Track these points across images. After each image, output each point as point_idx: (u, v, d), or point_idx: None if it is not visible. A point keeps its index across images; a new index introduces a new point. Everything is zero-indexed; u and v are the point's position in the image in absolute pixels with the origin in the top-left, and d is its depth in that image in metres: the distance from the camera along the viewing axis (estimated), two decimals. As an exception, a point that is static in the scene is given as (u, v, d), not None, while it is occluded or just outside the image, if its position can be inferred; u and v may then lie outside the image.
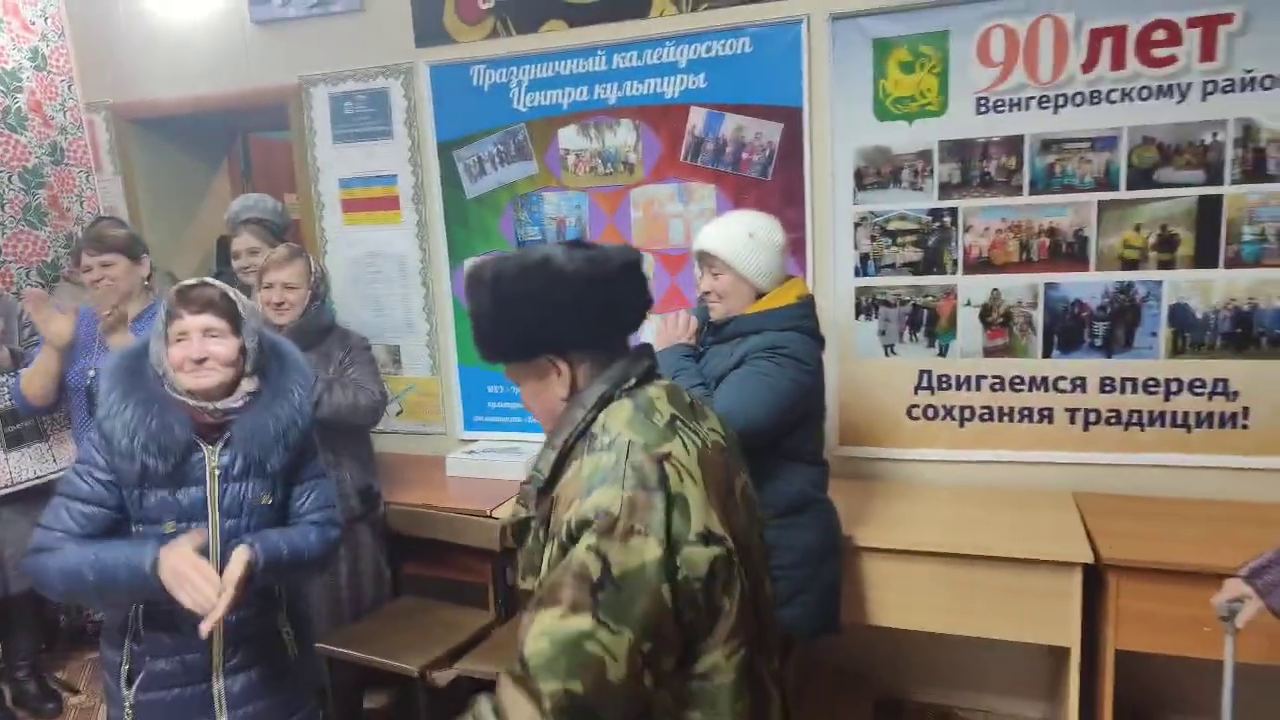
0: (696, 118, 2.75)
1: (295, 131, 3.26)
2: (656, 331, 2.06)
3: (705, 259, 1.99)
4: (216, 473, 1.59)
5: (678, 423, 1.15)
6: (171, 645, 1.62)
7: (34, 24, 3.10)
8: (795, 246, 2.66)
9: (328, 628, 2.41)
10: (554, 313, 1.14)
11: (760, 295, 1.97)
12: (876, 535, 2.26)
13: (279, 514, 1.67)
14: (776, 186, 2.69)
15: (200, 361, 1.54)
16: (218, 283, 1.61)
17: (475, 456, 2.91)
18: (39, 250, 3.04)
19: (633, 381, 1.17)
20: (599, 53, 2.82)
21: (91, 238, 2.53)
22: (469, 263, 1.18)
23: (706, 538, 1.07)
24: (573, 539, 1.04)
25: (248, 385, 1.60)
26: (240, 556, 1.52)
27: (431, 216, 3.11)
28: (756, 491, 1.85)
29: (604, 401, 1.15)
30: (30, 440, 2.77)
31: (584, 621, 1.01)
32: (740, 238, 1.96)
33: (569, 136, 2.90)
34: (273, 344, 1.70)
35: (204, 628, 1.45)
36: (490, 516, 2.53)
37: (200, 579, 1.45)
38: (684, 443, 1.13)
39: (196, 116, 3.51)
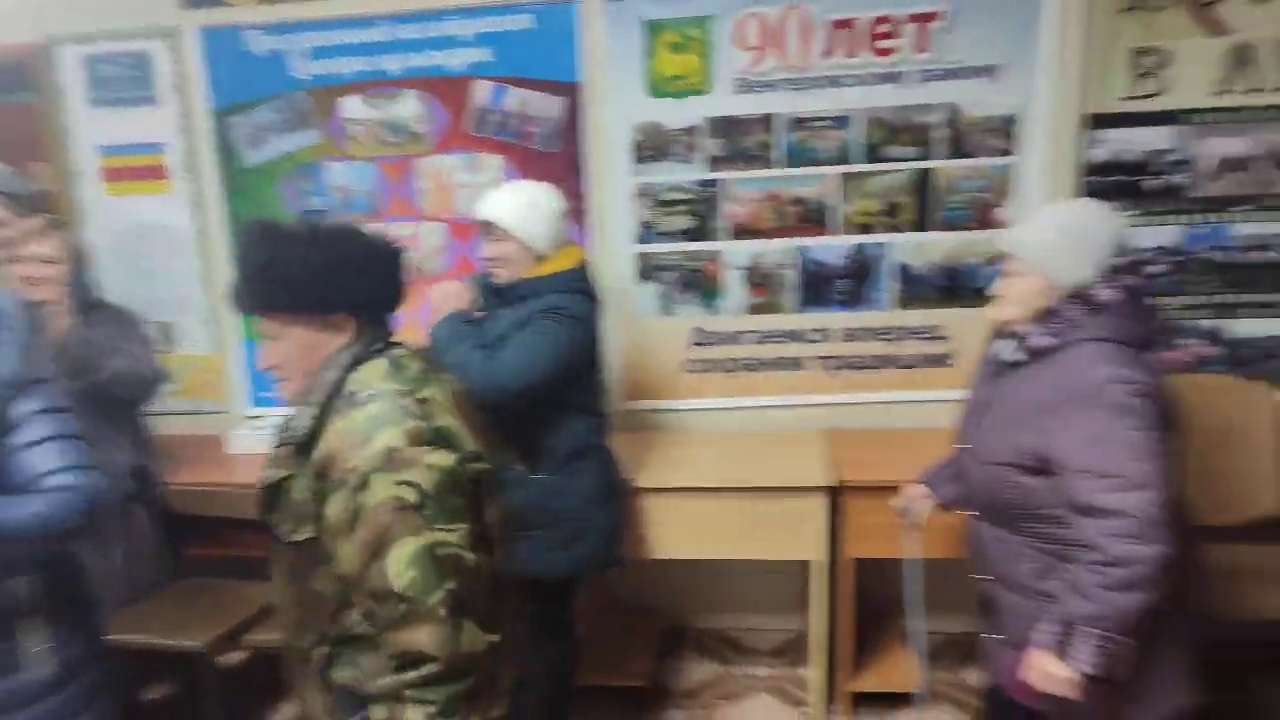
0: (482, 90, 2.83)
1: (40, 95, 3.01)
2: (433, 304, 2.14)
3: (487, 227, 2.09)
4: None
5: (428, 374, 1.33)
6: None
7: None
8: (578, 216, 2.82)
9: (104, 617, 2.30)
10: (361, 276, 1.29)
11: (541, 260, 2.09)
12: (655, 477, 2.48)
13: None
14: (560, 158, 2.83)
15: None
16: None
17: (261, 431, 2.86)
18: None
19: (380, 345, 1.32)
20: (382, 23, 2.83)
21: None
22: (263, 220, 1.27)
23: (475, 457, 1.28)
24: (366, 483, 1.18)
25: None
26: None
27: (207, 187, 2.99)
28: (539, 440, 2.02)
29: (355, 362, 1.29)
30: None
31: (426, 537, 1.18)
32: (520, 206, 2.08)
33: (353, 106, 2.88)
34: None
35: None
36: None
37: None
38: (437, 388, 1.31)
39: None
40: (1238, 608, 2.31)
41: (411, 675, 1.18)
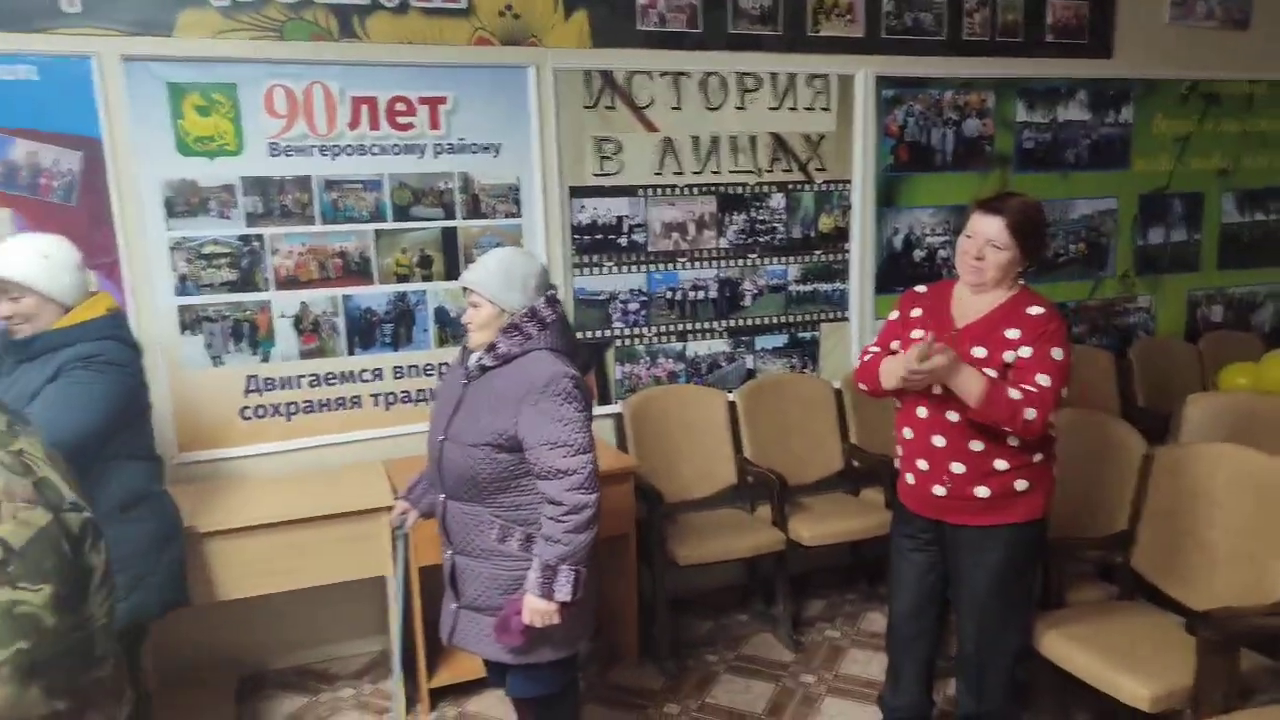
0: (-22, 140, 2.66)
1: None
2: None
3: (2, 285, 2.04)
4: None
5: (15, 426, 1.33)
6: None
7: None
8: (109, 269, 2.79)
9: None
10: None
11: (65, 311, 2.09)
12: (218, 520, 2.57)
13: None
14: (83, 212, 2.76)
15: None
16: None
17: None
18: None
19: None
20: None
21: None
22: None
23: (76, 506, 1.32)
24: None
25: None
26: None
27: None
28: (92, 491, 2.03)
29: None
30: None
31: (6, 594, 1.17)
32: (36, 260, 2.06)
33: None
34: None
35: None
36: None
37: None
38: (27, 440, 1.32)
39: None
40: (704, 554, 3.13)
41: None
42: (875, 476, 3.48)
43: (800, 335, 3.73)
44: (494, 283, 2.04)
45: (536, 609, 1.96)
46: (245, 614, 2.95)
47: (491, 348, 2.05)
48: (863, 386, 2.39)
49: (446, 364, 3.21)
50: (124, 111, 2.77)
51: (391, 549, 2.64)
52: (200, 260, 2.91)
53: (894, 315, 2.40)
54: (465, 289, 2.09)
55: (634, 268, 3.44)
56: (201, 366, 2.95)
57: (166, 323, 2.89)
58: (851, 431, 3.63)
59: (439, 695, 2.92)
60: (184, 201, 2.87)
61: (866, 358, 2.39)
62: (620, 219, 3.39)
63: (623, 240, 3.40)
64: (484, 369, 2.07)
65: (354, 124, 3.00)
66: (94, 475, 2.06)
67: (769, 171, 3.57)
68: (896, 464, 2.41)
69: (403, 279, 3.13)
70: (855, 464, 3.60)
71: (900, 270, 3.82)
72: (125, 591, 2.10)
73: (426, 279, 3.16)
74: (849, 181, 3.70)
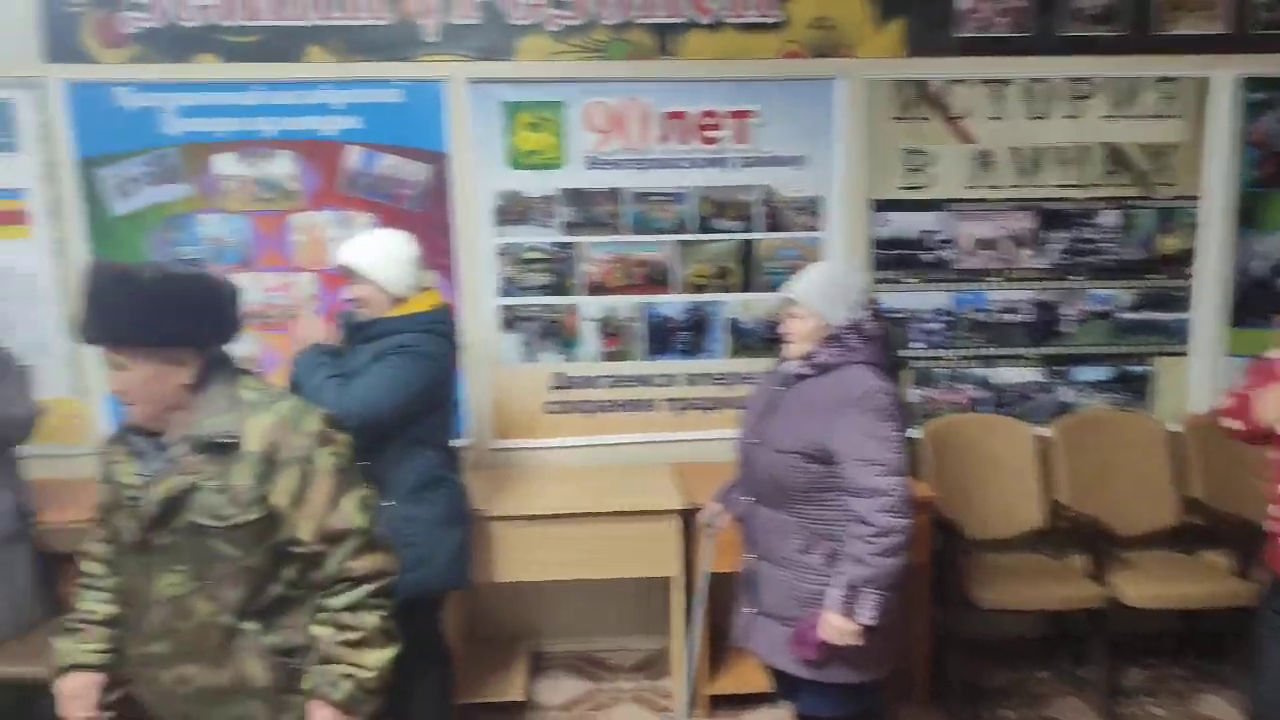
0: (353, 155, 3.07)
1: (-111, 138, 2.96)
2: (296, 336, 2.31)
3: (347, 272, 2.28)
4: None
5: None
6: None
7: None
8: (445, 270, 3.10)
9: None
10: (197, 314, 1.49)
11: (398, 302, 2.28)
12: (512, 506, 2.75)
13: None
14: (428, 219, 3.10)
15: None
16: None
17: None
18: None
19: (233, 369, 1.58)
20: (256, 88, 3.02)
21: None
22: (104, 261, 1.53)
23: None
24: (311, 458, 1.49)
25: None
26: None
27: (70, 233, 3.02)
28: (389, 472, 2.25)
29: (230, 378, 1.54)
30: None
31: (361, 490, 1.55)
32: (375, 252, 2.27)
33: (226, 163, 3.04)
34: None
35: None
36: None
37: None
38: None
39: None
40: (1006, 600, 2.84)
41: (373, 587, 1.52)
42: (1222, 538, 2.98)
43: (1129, 369, 3.31)
44: (818, 295, 2.02)
45: (836, 627, 1.88)
46: (538, 594, 3.14)
47: (809, 356, 2.02)
48: (1232, 425, 2.05)
49: (738, 374, 3.21)
50: (467, 129, 3.07)
51: (695, 547, 2.67)
52: (521, 265, 3.15)
53: (1274, 353, 2.05)
54: (787, 300, 2.07)
55: (938, 286, 3.24)
56: (516, 363, 3.18)
57: (490, 321, 3.16)
58: (1193, 483, 3.14)
59: (717, 703, 2.90)
60: (511, 210, 3.12)
61: (1231, 401, 2.05)
62: (925, 234, 3.21)
63: (927, 256, 3.22)
64: (799, 377, 2.03)
65: (665, 138, 3.11)
66: (390, 457, 2.22)
67: (1100, 185, 3.21)
68: (1268, 526, 2.04)
69: (700, 289, 3.19)
70: (1195, 520, 3.11)
71: (1261, 301, 3.26)
72: (412, 565, 2.17)
73: (723, 290, 3.19)
74: (1197, 198, 3.23)
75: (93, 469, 2.93)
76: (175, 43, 2.98)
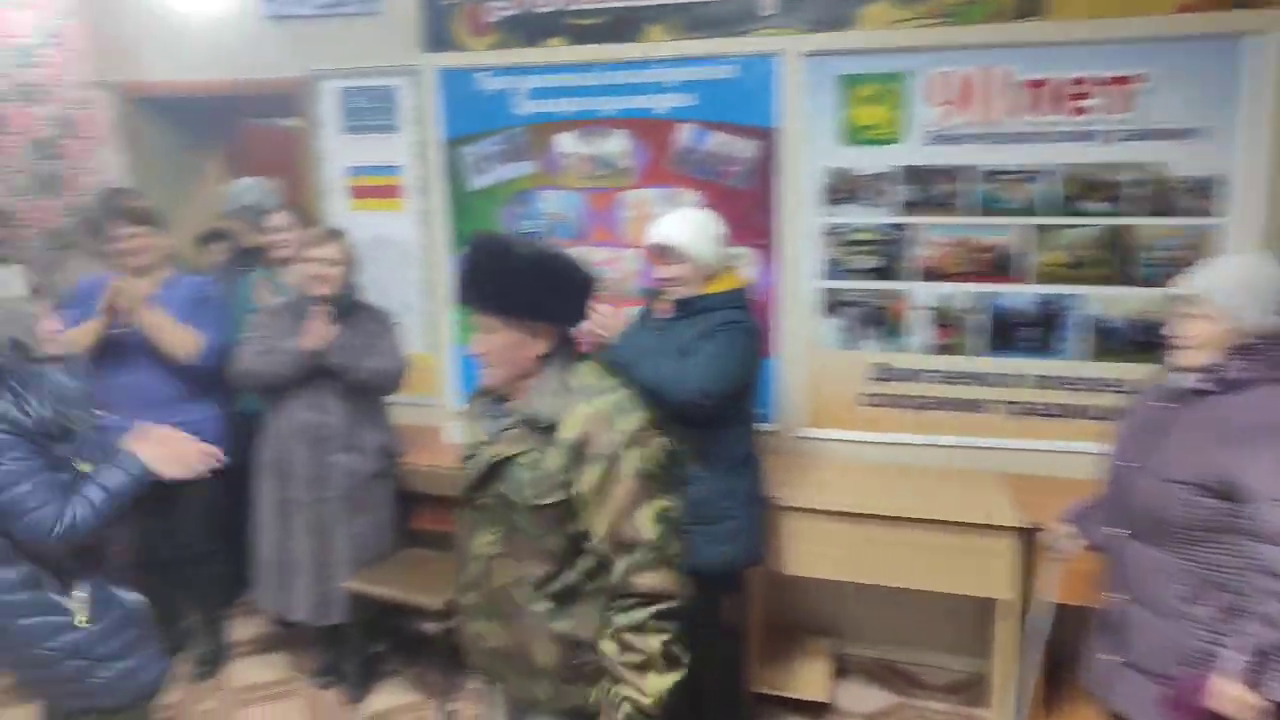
0: (683, 132, 3.08)
1: (303, 121, 3.45)
2: (602, 324, 2.29)
3: (663, 250, 2.27)
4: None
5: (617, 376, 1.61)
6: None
7: (51, 1, 3.23)
8: (764, 250, 3.02)
9: (351, 572, 2.69)
10: (567, 294, 1.55)
11: (710, 279, 2.28)
12: (823, 499, 2.62)
13: None
14: (752, 196, 3.03)
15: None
16: None
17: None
18: (50, 217, 3.16)
19: (576, 352, 1.60)
20: (597, 69, 3.13)
21: (122, 210, 2.69)
22: (495, 233, 1.62)
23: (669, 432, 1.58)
24: (618, 457, 1.45)
25: None
26: None
27: (435, 206, 3.35)
28: (710, 446, 2.21)
29: (568, 362, 1.56)
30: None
31: (662, 501, 1.48)
32: (696, 232, 2.27)
33: (567, 141, 3.19)
34: None
35: (207, 464, 1.81)
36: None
37: (175, 441, 1.78)
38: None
39: (198, 100, 3.67)
40: None
41: (656, 609, 1.46)
42: None
43: None
44: (1229, 293, 1.68)
45: (1233, 698, 1.55)
46: (836, 591, 2.99)
47: (1211, 369, 1.68)
48: None
49: (1100, 380, 2.80)
50: (799, 104, 2.95)
51: (1033, 571, 2.39)
52: (847, 246, 2.98)
53: None
54: (1183, 297, 1.74)
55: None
56: (834, 348, 3.03)
57: (808, 304, 3.03)
58: None
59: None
60: (840, 188, 2.96)
61: None
62: (1364, 223, 2.57)
63: (1364, 252, 2.58)
64: (1198, 393, 1.69)
65: (1022, 110, 2.76)
66: (712, 431, 2.24)
67: None
68: None
69: (1054, 280, 2.81)
70: None
71: None
72: (725, 538, 2.26)
73: (1081, 281, 2.79)
74: None
75: (442, 418, 3.33)
76: (530, 28, 3.16)
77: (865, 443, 3.03)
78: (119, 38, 3.56)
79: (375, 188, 3.43)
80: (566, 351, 1.57)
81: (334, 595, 2.70)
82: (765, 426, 2.93)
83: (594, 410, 1.49)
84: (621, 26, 3.09)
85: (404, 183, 3.39)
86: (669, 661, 1.47)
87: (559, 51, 3.15)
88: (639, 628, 1.46)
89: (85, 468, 1.74)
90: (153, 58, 3.58)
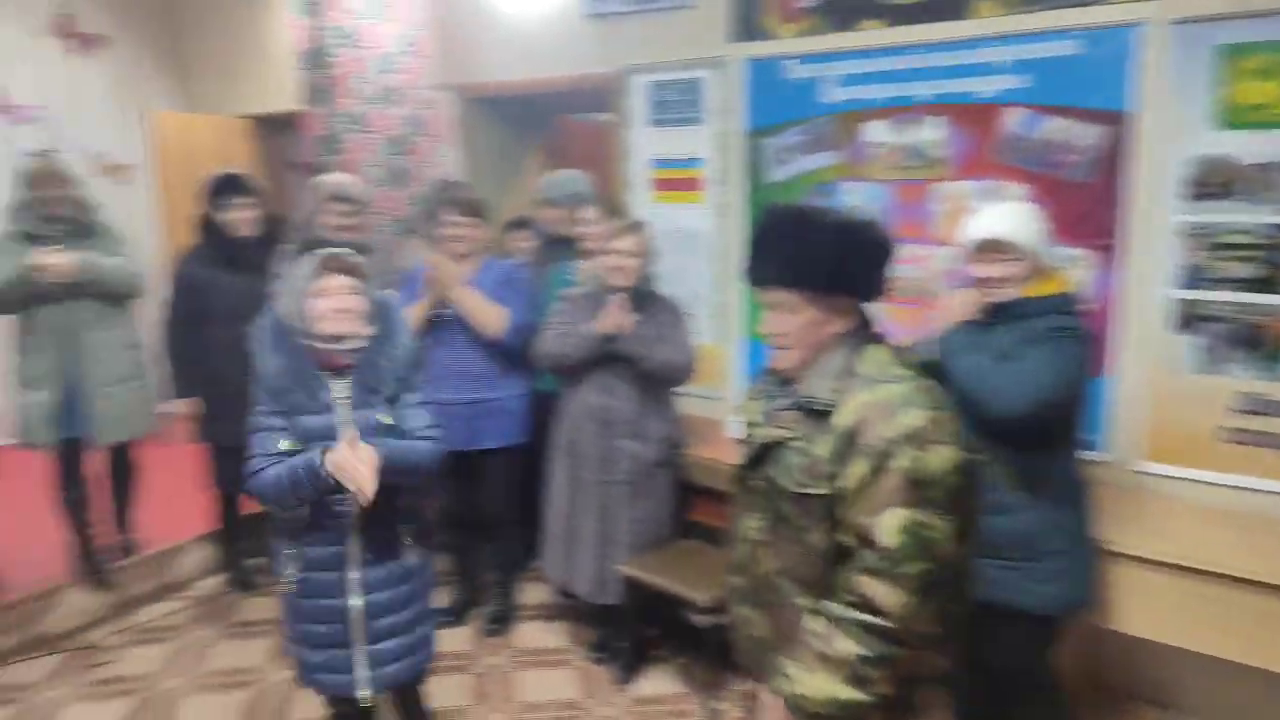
0: (1013, 117, 2.75)
1: (615, 116, 3.58)
2: (943, 311, 2.18)
3: (993, 246, 2.03)
4: (344, 400, 1.95)
5: (915, 368, 1.41)
6: (324, 539, 1.98)
7: (409, 14, 3.63)
8: (1104, 251, 2.62)
9: (629, 555, 2.76)
10: (869, 265, 1.40)
11: (1041, 278, 2.04)
12: (1163, 549, 2.24)
13: (396, 433, 2.00)
14: (1093, 191, 2.63)
15: (342, 311, 1.91)
16: (351, 252, 1.97)
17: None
18: (397, 207, 3.56)
19: (873, 333, 1.44)
20: (914, 51, 2.89)
21: (459, 201, 2.94)
22: (790, 203, 1.47)
23: (972, 448, 1.35)
24: (889, 453, 1.28)
25: (366, 331, 1.95)
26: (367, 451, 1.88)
27: (733, 199, 3.31)
28: (1036, 472, 1.91)
29: (859, 345, 1.40)
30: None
31: (921, 514, 1.28)
32: (1027, 225, 2.04)
33: (876, 130, 2.99)
34: (381, 301, 2.04)
35: (365, 498, 1.83)
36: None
37: (356, 461, 1.82)
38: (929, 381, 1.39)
39: (522, 98, 3.95)
40: None
41: (861, 617, 1.31)
42: None
43: None
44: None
45: None
46: (1178, 658, 2.52)
47: None
48: None
49: None
50: (1162, 81, 2.50)
51: None
52: (1214, 250, 2.49)
53: None
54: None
55: None
56: (1189, 371, 2.55)
57: (1158, 316, 2.58)
58: None
59: None
60: (1210, 181, 2.47)
61: None
62: None
63: None
64: None
65: None
66: (1040, 456, 1.99)
67: None
68: None
69: None
70: None
71: None
72: (1049, 577, 1.99)
73: None
74: None
75: (725, 412, 3.31)
76: (843, 11, 3.00)
77: (1221, 485, 2.51)
78: (461, 43, 3.93)
79: (677, 180, 3.46)
80: (862, 331, 1.43)
81: (611, 576, 2.77)
82: (1093, 455, 2.54)
83: (875, 398, 1.34)
84: (943, 3, 2.83)
85: (705, 175, 3.39)
86: (856, 680, 1.32)
87: (875, 35, 2.96)
88: (840, 621, 1.33)
89: (286, 445, 1.91)
90: (486, 60, 3.91)
